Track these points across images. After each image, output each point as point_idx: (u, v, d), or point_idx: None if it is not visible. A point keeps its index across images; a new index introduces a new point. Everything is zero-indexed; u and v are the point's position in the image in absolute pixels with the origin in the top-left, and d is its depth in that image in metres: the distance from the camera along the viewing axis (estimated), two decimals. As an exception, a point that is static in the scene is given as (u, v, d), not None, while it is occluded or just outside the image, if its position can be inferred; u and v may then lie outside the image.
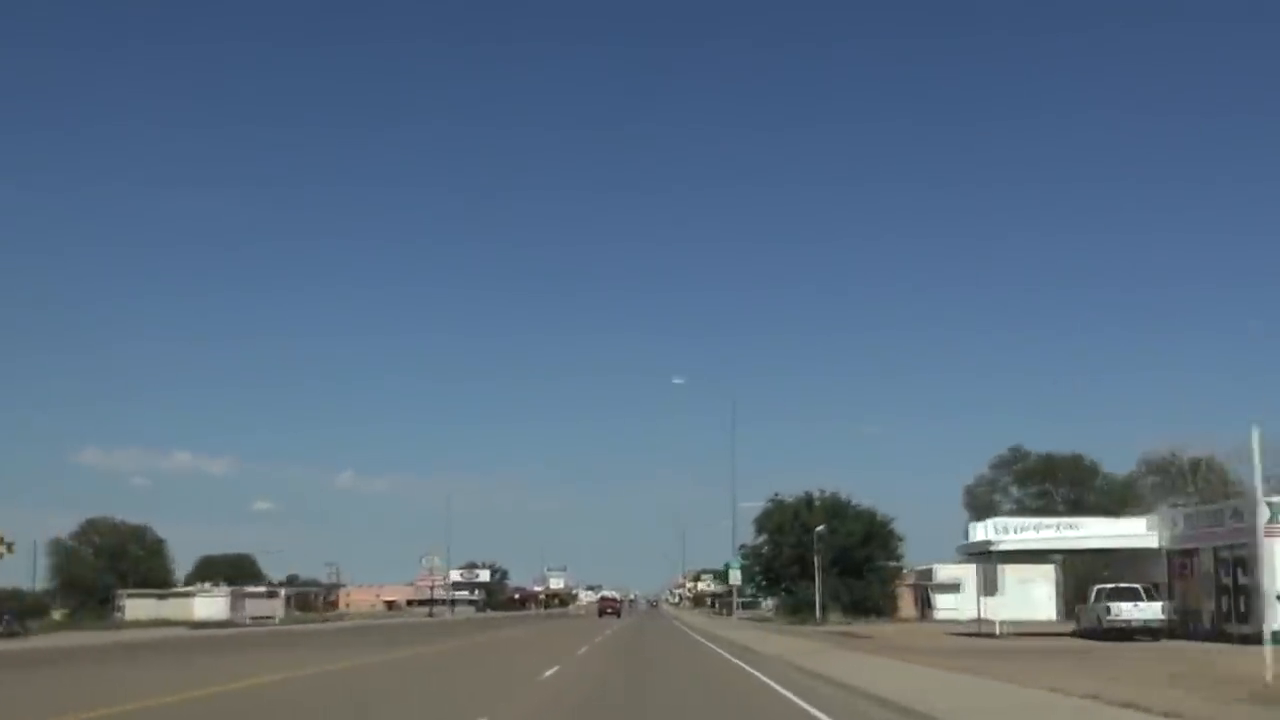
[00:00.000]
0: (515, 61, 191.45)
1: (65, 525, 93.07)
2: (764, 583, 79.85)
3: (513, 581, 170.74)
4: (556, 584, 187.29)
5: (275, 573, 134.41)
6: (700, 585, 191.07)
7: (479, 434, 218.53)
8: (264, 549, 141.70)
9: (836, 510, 72.16)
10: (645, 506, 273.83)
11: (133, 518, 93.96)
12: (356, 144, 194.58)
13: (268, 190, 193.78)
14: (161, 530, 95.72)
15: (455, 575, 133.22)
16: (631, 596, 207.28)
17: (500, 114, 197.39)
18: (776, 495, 76.84)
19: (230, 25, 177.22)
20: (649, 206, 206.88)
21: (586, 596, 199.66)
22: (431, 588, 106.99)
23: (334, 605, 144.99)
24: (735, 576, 72.35)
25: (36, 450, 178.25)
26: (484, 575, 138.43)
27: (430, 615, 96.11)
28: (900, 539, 72.16)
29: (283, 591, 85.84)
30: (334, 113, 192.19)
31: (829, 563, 69.96)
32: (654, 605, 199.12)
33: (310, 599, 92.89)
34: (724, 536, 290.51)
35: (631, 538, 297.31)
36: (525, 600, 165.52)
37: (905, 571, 72.98)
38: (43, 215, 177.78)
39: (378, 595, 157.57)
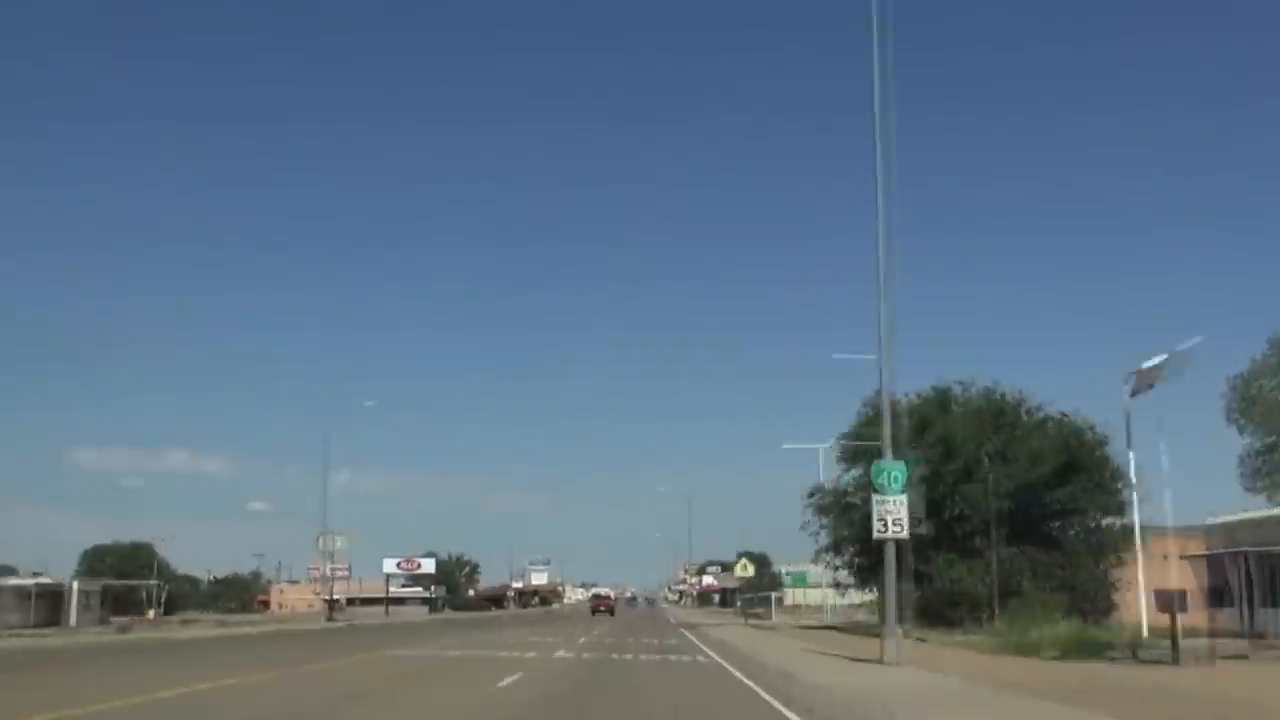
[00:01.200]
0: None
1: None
2: (859, 560, 47.22)
3: (488, 577, 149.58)
4: (539, 579, 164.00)
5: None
6: (707, 579, 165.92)
7: (473, 430, 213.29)
8: (159, 537, 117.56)
9: (1000, 418, 40.78)
10: (646, 497, 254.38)
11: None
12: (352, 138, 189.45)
13: (262, 189, 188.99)
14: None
15: (390, 566, 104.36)
16: (629, 594, 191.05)
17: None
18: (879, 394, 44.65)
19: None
20: (653, 142, 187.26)
21: (577, 594, 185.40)
22: (330, 579, 75.63)
23: (265, 604, 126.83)
24: (897, 510, 21.67)
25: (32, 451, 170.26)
26: (428, 566, 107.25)
27: (330, 620, 64.97)
28: (1122, 475, 40.14)
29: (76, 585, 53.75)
30: (329, 106, 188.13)
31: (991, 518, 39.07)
32: (650, 603, 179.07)
33: (140, 598, 61.34)
34: (728, 526, 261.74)
35: (628, 535, 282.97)
36: (498, 598, 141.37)
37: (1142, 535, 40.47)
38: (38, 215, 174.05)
39: (316, 592, 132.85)
